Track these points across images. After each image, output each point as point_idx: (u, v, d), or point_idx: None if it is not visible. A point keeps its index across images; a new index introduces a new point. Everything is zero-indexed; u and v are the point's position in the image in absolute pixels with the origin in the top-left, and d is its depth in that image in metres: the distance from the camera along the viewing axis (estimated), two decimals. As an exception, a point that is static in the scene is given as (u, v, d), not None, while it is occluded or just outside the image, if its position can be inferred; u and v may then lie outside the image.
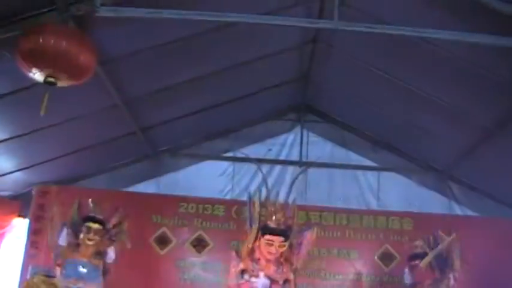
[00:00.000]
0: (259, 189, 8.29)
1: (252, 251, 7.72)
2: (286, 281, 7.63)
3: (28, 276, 9.15)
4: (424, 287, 8.33)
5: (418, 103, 9.12)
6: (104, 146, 9.82)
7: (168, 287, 10.09)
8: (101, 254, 8.48)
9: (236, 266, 7.71)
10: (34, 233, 10.16)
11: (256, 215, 7.67)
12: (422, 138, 10.28)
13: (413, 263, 8.54)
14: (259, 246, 7.62)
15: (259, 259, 7.64)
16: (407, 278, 8.65)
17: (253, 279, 7.68)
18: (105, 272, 8.46)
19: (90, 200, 8.68)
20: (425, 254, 8.33)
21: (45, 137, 8.73)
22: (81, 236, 8.39)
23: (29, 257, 10.00)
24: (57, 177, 10.45)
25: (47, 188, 10.42)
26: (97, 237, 8.40)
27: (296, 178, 8.73)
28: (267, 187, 8.29)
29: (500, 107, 8.18)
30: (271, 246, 7.52)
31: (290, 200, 8.00)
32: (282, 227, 7.61)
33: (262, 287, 7.64)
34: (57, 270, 8.22)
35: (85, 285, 8.16)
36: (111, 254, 8.52)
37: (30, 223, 10.27)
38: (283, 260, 7.72)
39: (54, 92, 6.20)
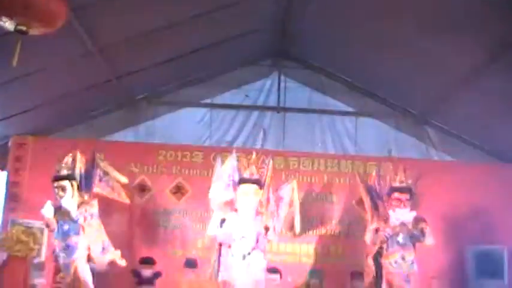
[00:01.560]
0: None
1: (231, 202, 8.01)
2: (266, 228, 7.96)
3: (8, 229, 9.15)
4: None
5: (395, 48, 9.07)
6: (80, 95, 9.69)
7: (148, 235, 10.16)
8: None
9: (216, 218, 8.02)
10: (13, 186, 10.13)
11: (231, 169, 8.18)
12: (399, 84, 10.30)
13: (402, 196, 8.42)
14: (236, 196, 7.94)
15: (237, 209, 7.95)
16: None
17: (234, 229, 7.95)
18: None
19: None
20: (408, 189, 8.42)
21: (19, 87, 8.57)
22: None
23: (8, 210, 9.98)
24: (34, 128, 10.34)
25: (24, 140, 10.32)
26: (69, 190, 8.48)
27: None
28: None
29: (477, 52, 8.18)
30: (247, 196, 7.95)
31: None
32: (256, 176, 8.09)
33: (246, 240, 7.90)
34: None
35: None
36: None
37: (8, 175, 10.22)
38: (264, 210, 8.03)
39: (27, 41, 6.07)
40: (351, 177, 10.56)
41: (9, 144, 10.28)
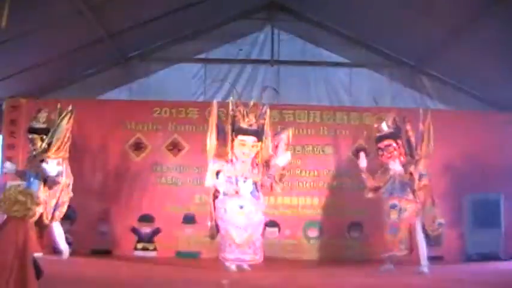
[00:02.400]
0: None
1: (226, 153, 7.97)
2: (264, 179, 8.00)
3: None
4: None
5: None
6: (73, 55, 9.61)
7: (147, 192, 10.22)
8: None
9: (211, 168, 7.99)
10: (8, 148, 10.14)
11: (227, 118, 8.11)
12: (394, 34, 10.21)
13: (381, 144, 8.56)
14: (233, 147, 7.90)
15: (233, 161, 7.92)
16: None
17: (231, 179, 7.97)
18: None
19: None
20: (392, 134, 8.48)
21: (10, 49, 8.47)
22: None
23: (5, 172, 9.98)
24: (28, 90, 10.29)
25: (17, 102, 10.29)
26: (38, 143, 8.50)
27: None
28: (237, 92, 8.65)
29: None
30: (244, 147, 7.97)
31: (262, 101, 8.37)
32: (254, 127, 7.98)
33: (247, 187, 7.93)
34: None
35: None
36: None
37: (3, 138, 10.21)
38: (259, 161, 8.01)
39: (16, 3, 5.98)
40: (346, 129, 10.60)
41: (3, 107, 10.25)
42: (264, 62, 11.21)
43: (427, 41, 9.85)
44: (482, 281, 7.26)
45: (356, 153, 9.05)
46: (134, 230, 10.12)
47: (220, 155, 8.09)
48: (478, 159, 10.06)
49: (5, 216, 4.53)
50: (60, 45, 9.18)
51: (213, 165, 8.08)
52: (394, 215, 8.26)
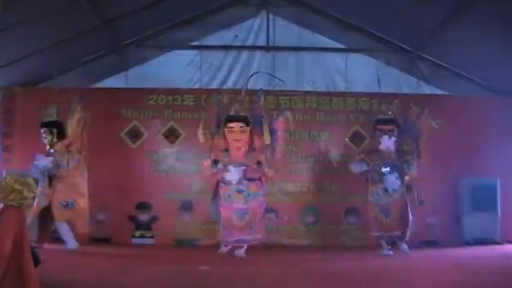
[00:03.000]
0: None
1: (221, 143, 8.24)
2: (258, 163, 8.19)
3: (3, 180, 9.18)
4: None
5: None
6: (68, 43, 9.52)
7: (144, 180, 10.22)
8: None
9: (207, 159, 8.15)
10: (5, 138, 10.13)
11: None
12: (390, 18, 10.15)
13: (380, 127, 8.80)
14: (225, 136, 8.11)
15: (228, 149, 8.08)
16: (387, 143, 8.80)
17: (226, 167, 8.09)
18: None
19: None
20: (394, 120, 8.72)
21: (5, 38, 8.40)
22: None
23: (2, 162, 9.99)
24: (24, 79, 10.27)
25: (13, 91, 10.27)
26: (48, 137, 8.51)
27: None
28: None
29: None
30: (233, 133, 8.23)
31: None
32: (241, 113, 8.26)
33: (236, 172, 8.02)
34: None
35: None
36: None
37: (0, 128, 10.19)
38: (254, 145, 8.18)
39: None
40: (343, 114, 10.58)
41: (-1, 97, 10.24)
42: (260, 48, 11.17)
43: (424, 26, 9.79)
44: (479, 265, 7.28)
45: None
46: (132, 218, 10.13)
47: (217, 144, 8.33)
48: (475, 144, 10.09)
49: (1, 205, 4.52)
50: (55, 33, 9.08)
51: (210, 154, 8.31)
52: (385, 198, 8.52)
